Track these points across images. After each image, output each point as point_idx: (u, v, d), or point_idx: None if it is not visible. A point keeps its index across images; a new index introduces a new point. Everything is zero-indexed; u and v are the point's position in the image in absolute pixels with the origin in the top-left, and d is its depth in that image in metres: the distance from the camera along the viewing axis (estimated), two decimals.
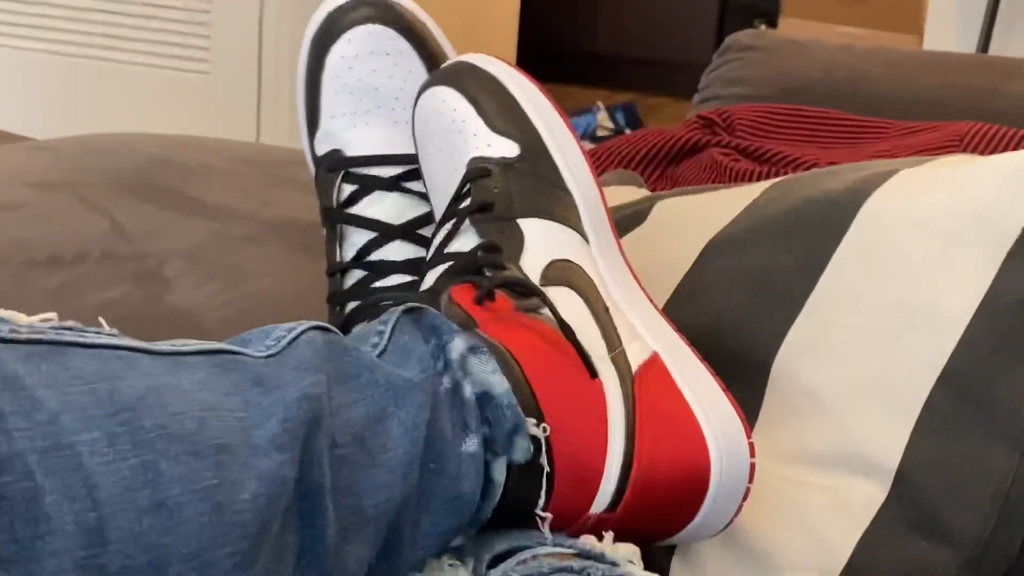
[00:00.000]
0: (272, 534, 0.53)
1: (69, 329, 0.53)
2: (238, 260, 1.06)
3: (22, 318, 0.52)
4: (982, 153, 1.11)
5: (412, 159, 0.80)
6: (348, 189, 0.80)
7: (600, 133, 3.27)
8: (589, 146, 2.97)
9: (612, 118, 3.35)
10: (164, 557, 0.49)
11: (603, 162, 1.31)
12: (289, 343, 0.59)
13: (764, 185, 0.85)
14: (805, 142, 1.31)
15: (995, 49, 2.50)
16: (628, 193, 0.96)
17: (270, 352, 0.58)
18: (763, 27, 4.00)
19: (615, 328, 0.69)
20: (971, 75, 1.44)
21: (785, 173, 1.15)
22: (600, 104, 3.41)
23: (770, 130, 1.32)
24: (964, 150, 1.19)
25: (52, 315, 0.54)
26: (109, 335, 0.54)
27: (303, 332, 0.60)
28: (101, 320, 0.56)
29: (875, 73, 1.44)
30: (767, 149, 1.25)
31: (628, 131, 3.26)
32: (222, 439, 0.52)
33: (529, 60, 4.45)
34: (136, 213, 1.12)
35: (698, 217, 0.84)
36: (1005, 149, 1.17)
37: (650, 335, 0.69)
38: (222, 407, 0.53)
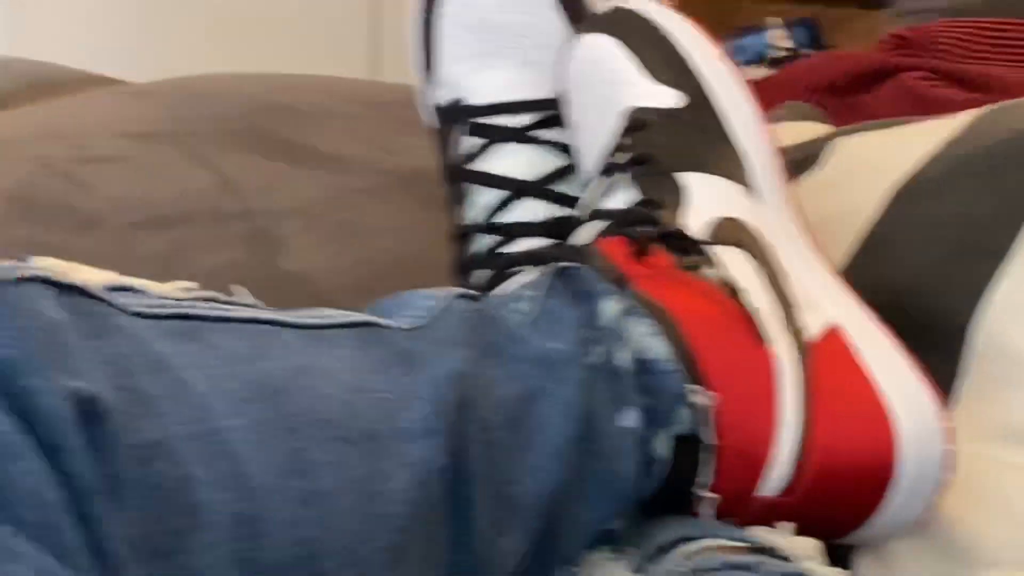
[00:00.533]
0: (423, 526, 0.56)
1: (210, 300, 0.57)
2: (359, 217, 1.08)
3: (158, 287, 0.56)
4: None
5: (546, 105, 0.82)
6: (473, 142, 0.83)
7: (775, 55, 3.24)
8: (762, 72, 2.95)
9: (789, 36, 3.32)
10: (318, 550, 0.52)
11: (778, 92, 1.32)
12: (434, 313, 0.62)
13: (968, 116, 0.85)
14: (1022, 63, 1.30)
15: None
16: (805, 129, 0.97)
17: (414, 324, 0.61)
18: None
19: (789, 294, 0.70)
20: None
21: (997, 100, 1.14)
22: (774, 20, 3.38)
23: (979, 49, 1.31)
24: None
25: (191, 284, 0.58)
26: (249, 306, 0.58)
27: (450, 301, 0.63)
28: (241, 289, 0.60)
29: None
30: (976, 72, 1.25)
31: (808, 52, 3.22)
32: (370, 424, 0.55)
33: None
34: (245, 165, 1.15)
35: (887, 157, 0.85)
36: None
37: (829, 303, 0.71)
38: (368, 388, 0.57)
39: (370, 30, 3.14)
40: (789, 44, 3.29)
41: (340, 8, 3.14)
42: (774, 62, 3.19)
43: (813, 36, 3.37)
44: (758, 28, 3.40)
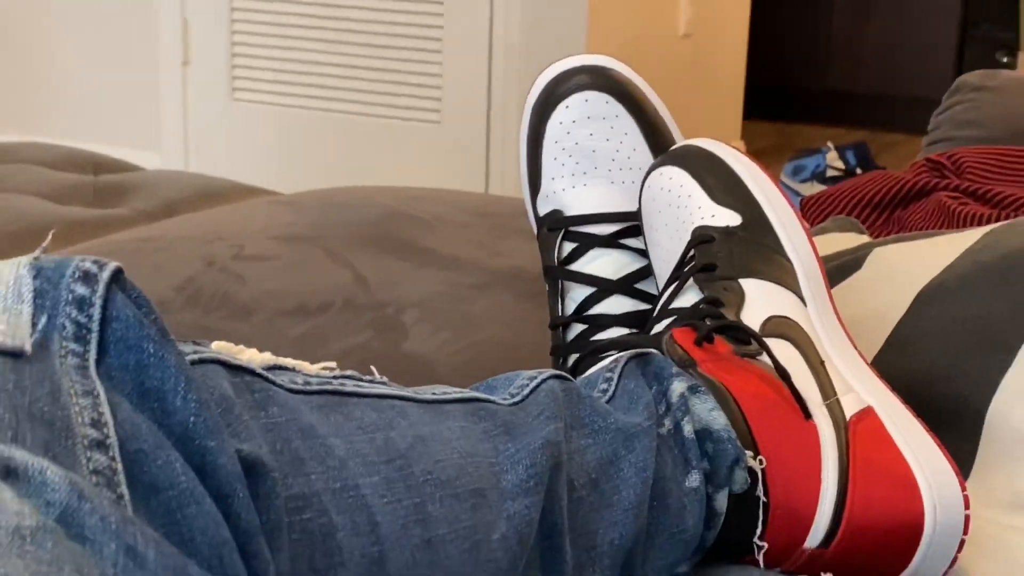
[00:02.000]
0: (519, 569, 0.58)
1: (349, 378, 0.59)
2: (469, 309, 1.08)
3: (307, 367, 0.58)
4: None
5: (629, 216, 0.84)
6: (568, 247, 0.84)
7: (830, 174, 3.22)
8: (818, 188, 2.95)
9: (842, 157, 3.30)
10: None
11: (828, 207, 1.32)
12: (531, 391, 0.64)
13: (982, 231, 0.85)
14: None
15: None
16: (847, 240, 0.97)
17: (515, 400, 0.63)
18: (1005, 59, 3.89)
19: (830, 380, 0.71)
20: None
21: (1016, 216, 1.14)
22: (830, 144, 3.37)
23: (1001, 173, 1.30)
24: None
25: (332, 364, 0.60)
26: (381, 383, 0.60)
27: (543, 381, 0.65)
28: (373, 369, 0.62)
29: None
30: (997, 192, 1.23)
31: (859, 171, 3.19)
32: (477, 484, 0.57)
33: (757, 99, 4.42)
34: (375, 264, 1.17)
35: (913, 264, 0.85)
36: None
37: (864, 389, 0.71)
38: (477, 453, 0.58)
39: (485, 151, 3.16)
40: (842, 165, 3.28)
41: (459, 134, 3.17)
42: (829, 180, 3.17)
43: (864, 157, 3.35)
44: (816, 150, 3.39)
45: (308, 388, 0.56)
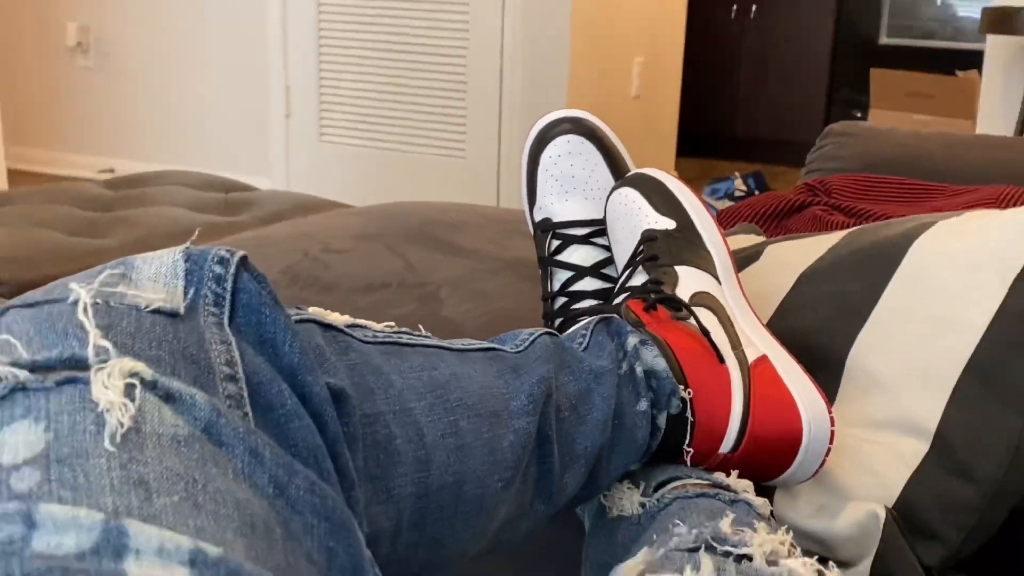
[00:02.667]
0: (522, 467, 0.58)
1: (404, 333, 0.59)
2: (486, 287, 1.08)
3: (375, 325, 0.58)
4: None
5: (598, 222, 0.83)
6: (555, 243, 0.84)
7: (737, 194, 3.22)
8: (728, 204, 2.93)
9: (745, 183, 3.30)
10: (461, 479, 0.54)
11: (736, 217, 1.32)
12: (530, 343, 0.63)
13: (842, 233, 0.85)
14: (882, 201, 1.29)
15: None
16: (749, 240, 0.97)
17: (519, 349, 0.63)
18: (859, 115, 3.88)
19: (737, 336, 0.71)
20: (1008, 151, 1.39)
21: (867, 223, 1.13)
22: (737, 173, 3.36)
23: (857, 193, 1.30)
24: (1000, 206, 1.16)
25: (392, 324, 0.60)
26: (426, 337, 0.59)
27: (539, 336, 0.64)
28: (420, 327, 0.62)
29: (935, 151, 1.40)
30: (854, 206, 1.23)
31: (757, 192, 3.19)
32: (493, 408, 0.57)
33: (687, 142, 4.41)
34: (420, 255, 1.17)
35: (795, 256, 0.84)
36: None
37: (761, 343, 0.71)
38: (493, 386, 0.58)
39: (496, 177, 3.17)
40: (745, 188, 3.27)
41: (478, 165, 3.18)
42: (736, 198, 3.17)
43: (761, 183, 3.35)
44: (727, 177, 3.38)
45: (376, 340, 0.56)
